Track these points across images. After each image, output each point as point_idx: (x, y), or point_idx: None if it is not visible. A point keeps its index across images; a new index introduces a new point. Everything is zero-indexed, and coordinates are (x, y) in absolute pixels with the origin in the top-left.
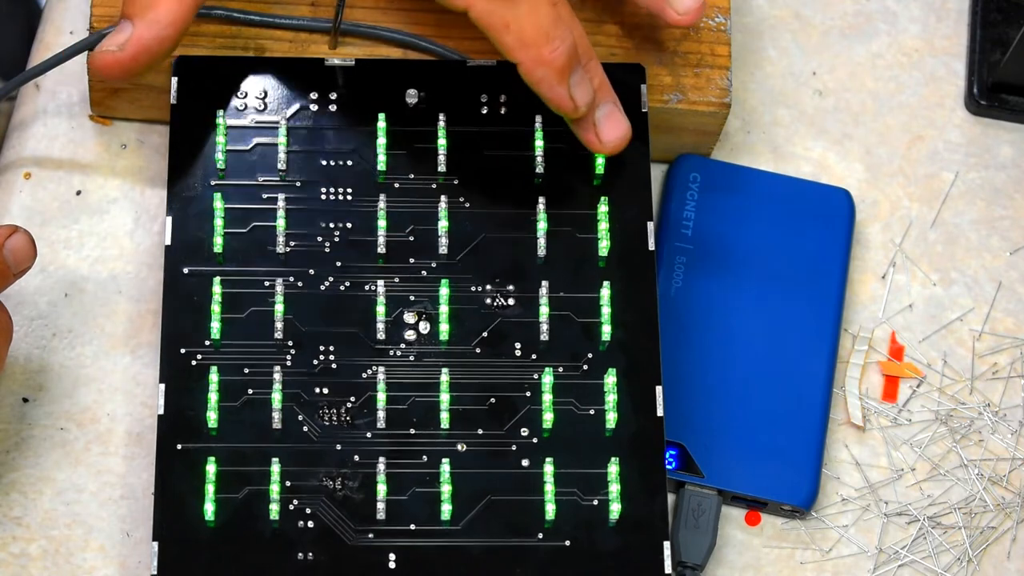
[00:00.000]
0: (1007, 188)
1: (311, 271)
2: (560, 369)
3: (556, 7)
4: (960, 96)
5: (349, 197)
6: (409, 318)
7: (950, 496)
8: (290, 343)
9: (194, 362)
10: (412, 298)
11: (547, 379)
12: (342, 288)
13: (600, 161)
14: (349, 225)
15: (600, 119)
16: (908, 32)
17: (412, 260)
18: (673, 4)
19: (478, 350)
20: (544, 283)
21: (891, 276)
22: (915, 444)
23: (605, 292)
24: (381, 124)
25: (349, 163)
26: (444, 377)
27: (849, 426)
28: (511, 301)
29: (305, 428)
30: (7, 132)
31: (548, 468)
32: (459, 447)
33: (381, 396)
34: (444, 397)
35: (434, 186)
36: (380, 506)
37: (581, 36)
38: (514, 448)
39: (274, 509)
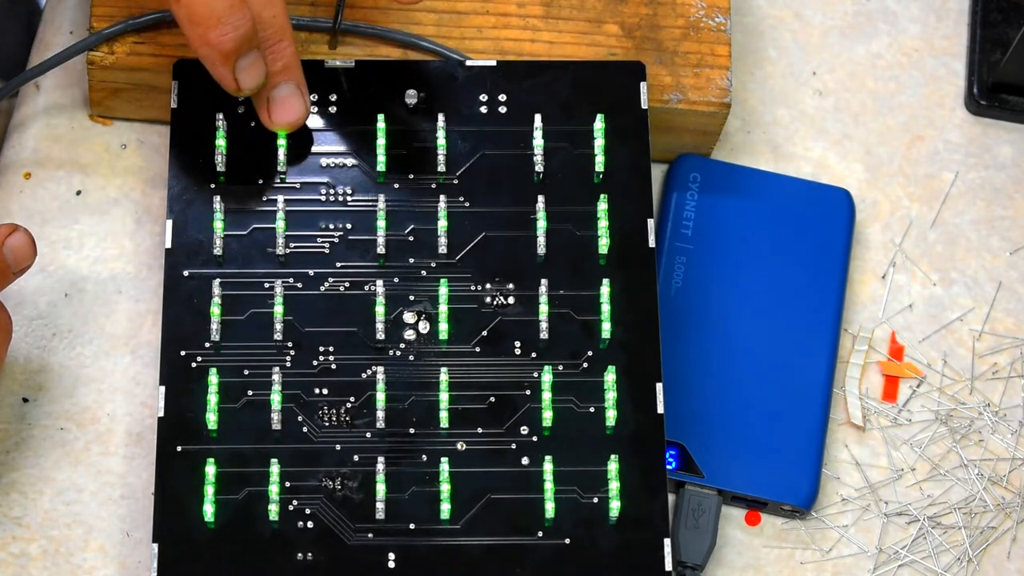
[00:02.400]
0: (1007, 188)
1: (311, 272)
2: (560, 367)
3: None
4: (960, 96)
5: (349, 197)
6: (409, 318)
7: (950, 496)
8: (290, 344)
9: (194, 364)
10: (412, 298)
11: (547, 377)
12: (342, 288)
13: (600, 159)
14: (349, 225)
15: (275, 98)
16: (908, 32)
17: (412, 260)
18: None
19: (478, 349)
20: (544, 281)
21: (891, 276)
22: (915, 444)
23: (605, 290)
24: (381, 124)
25: (349, 163)
26: (444, 376)
27: (849, 426)
28: (511, 300)
29: (305, 428)
30: (7, 132)
31: (548, 466)
32: (459, 446)
33: (381, 396)
34: (444, 396)
35: (434, 186)
36: (379, 506)
37: (275, 17)
38: (514, 447)
39: (274, 510)
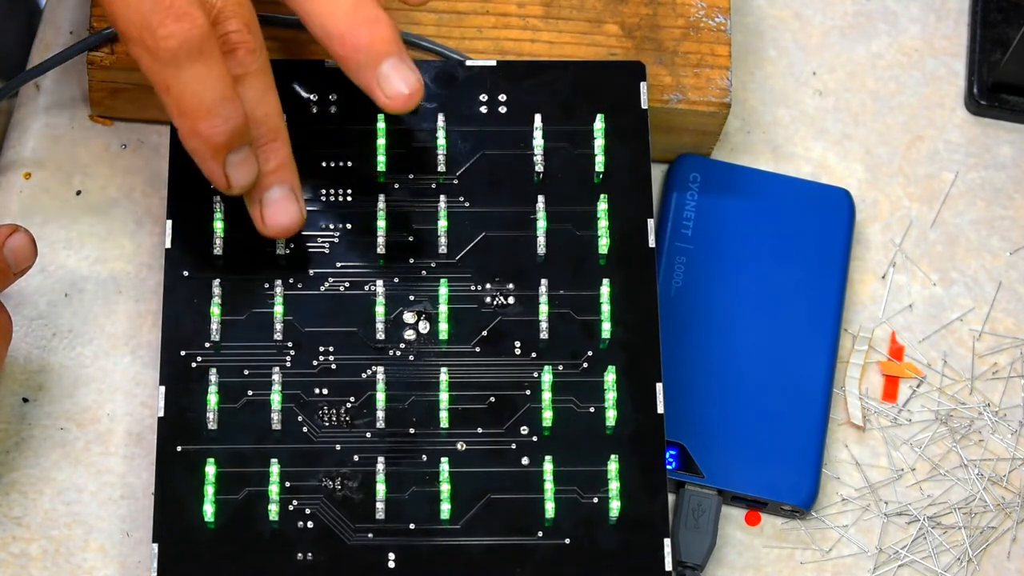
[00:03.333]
0: (1007, 188)
1: (311, 272)
2: (560, 367)
3: (231, 83)
4: (960, 96)
5: (349, 198)
6: (409, 318)
7: (950, 496)
8: (290, 344)
9: (194, 364)
10: (412, 298)
11: (547, 377)
12: (342, 288)
13: (600, 159)
14: (349, 226)
15: (268, 201)
16: (908, 32)
17: (412, 260)
18: (383, 87)
19: (478, 349)
20: (544, 281)
21: (891, 276)
22: (915, 444)
23: (605, 290)
24: (381, 124)
25: (349, 163)
26: (444, 376)
27: (849, 426)
28: (511, 300)
29: (305, 429)
30: (7, 132)
31: (548, 466)
32: (459, 446)
33: (380, 396)
34: (444, 396)
35: (434, 186)
36: (379, 506)
37: (267, 116)
38: (514, 447)
39: (274, 510)
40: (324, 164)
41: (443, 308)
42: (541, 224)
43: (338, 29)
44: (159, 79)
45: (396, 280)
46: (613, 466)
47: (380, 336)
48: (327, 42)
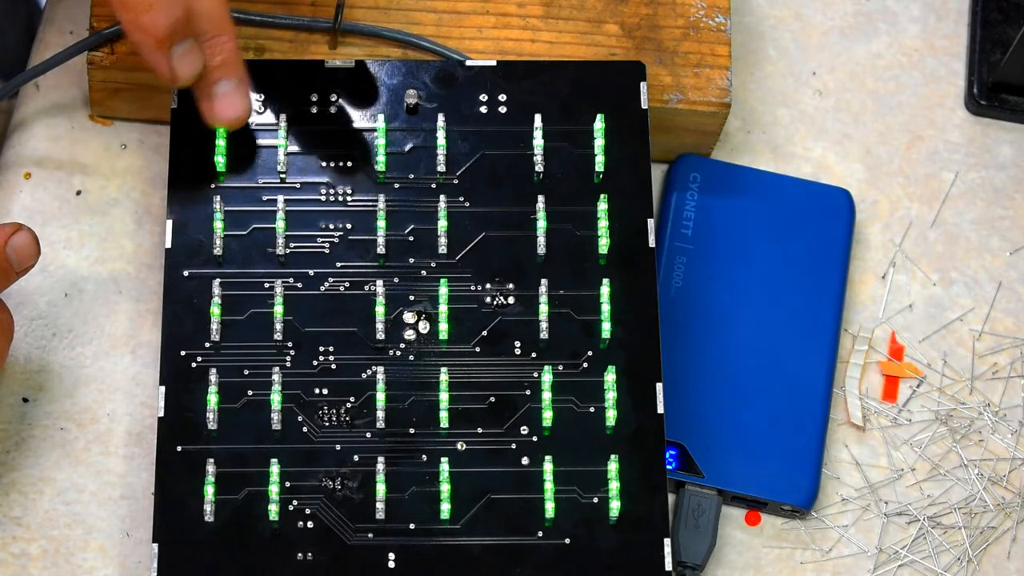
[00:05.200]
0: (1007, 188)
1: (311, 272)
2: (560, 367)
3: None
4: (960, 96)
5: (349, 197)
6: (409, 318)
7: (950, 496)
8: (290, 344)
9: (194, 364)
10: (412, 298)
11: (547, 377)
12: (342, 288)
13: (600, 159)
14: (349, 225)
15: (216, 94)
16: (908, 32)
17: (412, 260)
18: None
19: (478, 349)
20: (544, 281)
21: (891, 276)
22: (915, 444)
23: (605, 290)
24: (381, 124)
25: (349, 163)
26: (444, 376)
27: (849, 426)
28: (511, 300)
29: (305, 429)
30: (7, 132)
31: (548, 466)
32: (459, 446)
33: (380, 396)
34: (444, 396)
35: (434, 186)
36: (379, 506)
37: (211, 9)
38: (514, 447)
39: (274, 510)
40: (324, 164)
41: (443, 308)
42: (541, 224)
43: None
44: None
45: (396, 280)
46: (613, 466)
47: (380, 336)
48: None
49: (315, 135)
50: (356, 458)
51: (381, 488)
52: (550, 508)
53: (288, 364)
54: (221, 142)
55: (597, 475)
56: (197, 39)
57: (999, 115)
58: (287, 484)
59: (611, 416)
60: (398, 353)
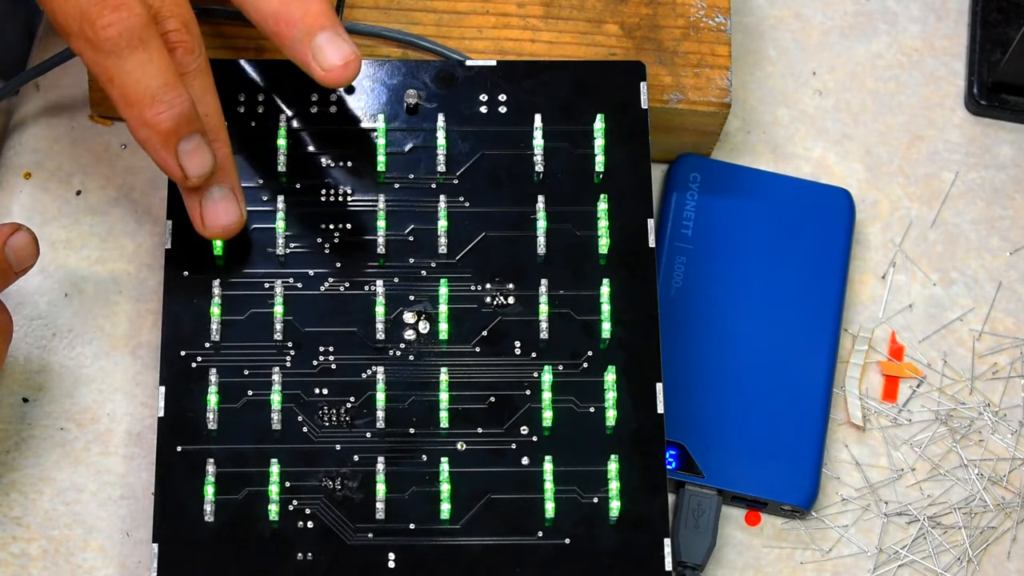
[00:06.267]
0: (1007, 188)
1: (311, 272)
2: (560, 367)
3: (174, 69)
4: (960, 96)
5: (349, 197)
6: (409, 318)
7: (950, 496)
8: (290, 344)
9: (194, 364)
10: (412, 298)
11: (547, 377)
12: (342, 289)
13: (600, 159)
14: (349, 226)
15: (208, 201)
16: (908, 32)
17: (412, 260)
18: (318, 59)
19: (478, 349)
20: (544, 281)
21: (891, 276)
22: (915, 444)
23: (605, 290)
24: (381, 124)
25: (349, 163)
26: (444, 376)
27: (849, 426)
28: (511, 300)
29: (305, 429)
30: (7, 132)
31: (548, 466)
32: (459, 446)
33: (380, 396)
34: (444, 396)
35: (434, 186)
36: (379, 506)
37: (208, 115)
38: (514, 447)
39: (274, 510)
40: (324, 164)
41: (443, 308)
42: (541, 224)
43: (271, 8)
44: (102, 70)
45: (396, 280)
46: (613, 466)
47: (380, 336)
48: (262, 23)
49: (315, 135)
50: (356, 458)
51: (381, 488)
52: (550, 508)
53: (288, 364)
54: None
55: (597, 475)
56: (203, 134)
57: (999, 115)
58: (287, 484)
59: (611, 416)
60: (398, 353)
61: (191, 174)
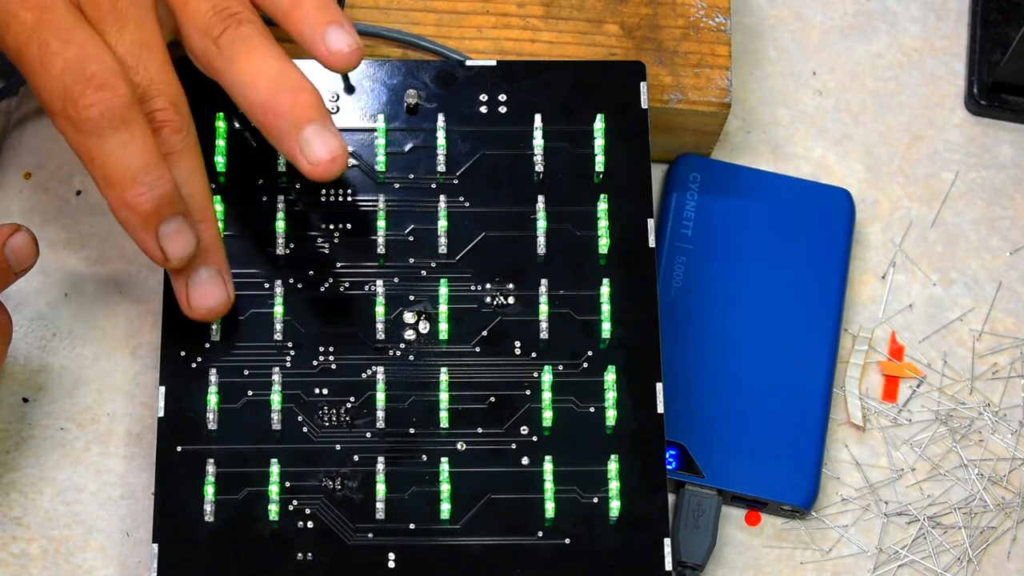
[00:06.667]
0: (1007, 188)
1: (310, 272)
2: (560, 367)
3: (157, 150)
4: (960, 96)
5: (349, 197)
6: (409, 318)
7: (950, 496)
8: (289, 344)
9: (194, 364)
10: (412, 298)
11: (547, 377)
12: (342, 289)
13: (600, 159)
14: (349, 226)
15: (194, 283)
16: (908, 32)
17: (412, 260)
18: (305, 153)
19: (478, 349)
20: (544, 281)
21: (891, 276)
22: (915, 444)
23: (605, 290)
24: (381, 124)
25: (349, 163)
26: (444, 376)
27: (849, 426)
28: (511, 300)
29: (305, 429)
30: (7, 132)
31: (548, 466)
32: (459, 446)
33: (381, 396)
34: (444, 396)
35: (434, 186)
36: (379, 506)
37: (193, 196)
38: (514, 447)
39: (273, 510)
40: None
41: (443, 308)
42: (541, 224)
43: (260, 98)
44: (83, 150)
45: (396, 280)
46: (613, 466)
47: (380, 336)
48: (250, 111)
49: None
50: (356, 458)
51: (381, 488)
52: (550, 508)
53: (288, 364)
54: (221, 142)
55: (597, 475)
56: (186, 216)
57: (999, 115)
58: (287, 484)
59: (611, 416)
60: (398, 353)
61: (172, 257)
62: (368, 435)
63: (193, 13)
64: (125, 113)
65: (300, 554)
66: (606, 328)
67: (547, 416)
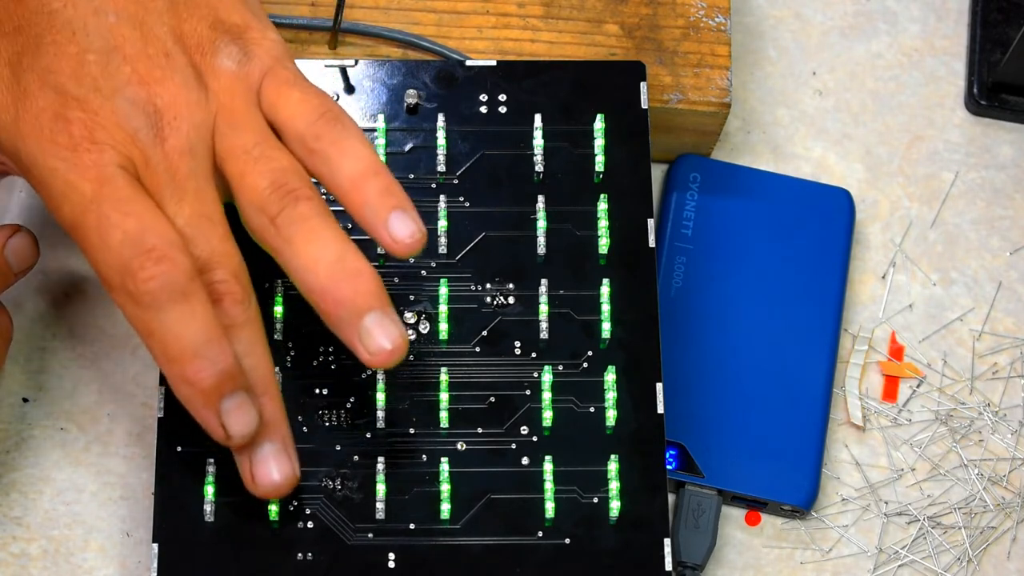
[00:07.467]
0: (1007, 188)
1: None
2: (560, 367)
3: (217, 324)
4: (960, 96)
5: None
6: (409, 318)
7: (950, 496)
8: (289, 344)
9: None
10: (412, 298)
11: (547, 377)
12: None
13: (600, 159)
14: (349, 225)
15: (257, 458)
16: (908, 32)
17: (412, 260)
18: (365, 343)
19: (477, 349)
20: (544, 281)
21: (891, 276)
22: (915, 444)
23: (605, 290)
24: (381, 124)
25: None
26: (443, 376)
27: (849, 426)
28: (511, 300)
29: (304, 429)
30: None
31: (548, 466)
32: (459, 446)
33: (380, 396)
34: (444, 396)
35: (434, 186)
36: (379, 506)
37: (254, 368)
38: (514, 447)
39: (273, 510)
40: None
41: (443, 308)
42: (541, 224)
43: (320, 284)
44: (141, 324)
45: (396, 280)
46: (613, 466)
47: None
48: (308, 295)
49: None
50: (356, 458)
51: (381, 488)
52: (550, 508)
53: (288, 364)
54: None
55: (597, 475)
56: (248, 392)
57: (999, 115)
58: None
59: (611, 416)
60: None
61: (234, 433)
62: (368, 435)
63: (251, 189)
64: (185, 287)
65: (300, 554)
66: (606, 328)
67: (547, 416)
